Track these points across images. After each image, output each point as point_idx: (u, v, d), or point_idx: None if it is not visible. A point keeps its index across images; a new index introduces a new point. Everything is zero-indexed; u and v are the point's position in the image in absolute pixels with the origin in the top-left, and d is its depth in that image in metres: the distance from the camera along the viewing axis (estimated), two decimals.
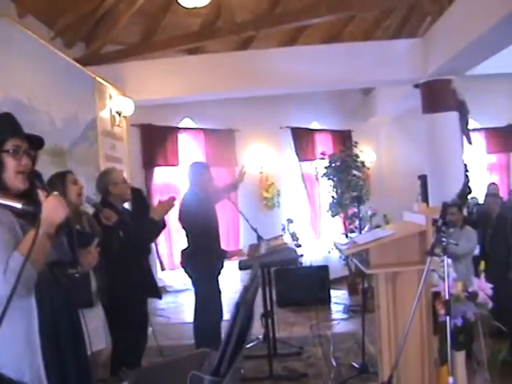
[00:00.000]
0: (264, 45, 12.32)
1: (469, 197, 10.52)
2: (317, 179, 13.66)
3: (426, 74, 10.05)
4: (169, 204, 5.64)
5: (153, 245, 11.41)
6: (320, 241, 13.87)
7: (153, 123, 12.03)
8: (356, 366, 6.75)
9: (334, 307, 10.53)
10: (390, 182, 14.80)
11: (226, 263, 7.00)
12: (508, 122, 16.01)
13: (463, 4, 8.37)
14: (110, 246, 4.47)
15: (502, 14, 6.94)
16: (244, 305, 2.78)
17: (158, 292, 6.09)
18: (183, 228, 6.80)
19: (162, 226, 5.77)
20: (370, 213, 11.45)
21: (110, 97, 9.30)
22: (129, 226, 5.41)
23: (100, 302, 4.70)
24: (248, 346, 7.45)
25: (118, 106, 9.41)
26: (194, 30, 11.39)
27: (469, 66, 9.65)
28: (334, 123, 14.64)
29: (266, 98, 12.28)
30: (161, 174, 12.31)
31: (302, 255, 11.70)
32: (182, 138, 12.66)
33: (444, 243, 3.67)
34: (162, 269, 11.81)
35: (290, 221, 12.22)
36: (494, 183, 12.81)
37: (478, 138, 15.65)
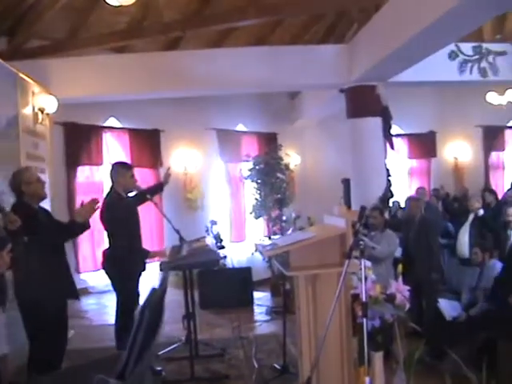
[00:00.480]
0: (192, 45, 12.27)
1: (390, 201, 10.75)
2: (241, 181, 13.68)
3: (350, 80, 10.22)
4: (91, 207, 5.54)
5: (72, 245, 11.24)
6: (244, 242, 13.92)
7: (77, 122, 11.80)
8: (277, 367, 6.79)
9: (256, 309, 10.55)
10: (315, 185, 14.98)
11: (149, 264, 6.94)
12: (429, 128, 16.45)
13: (388, 13, 8.54)
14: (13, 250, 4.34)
15: (425, 24, 7.10)
16: (150, 308, 2.75)
17: (75, 293, 5.97)
18: (105, 228, 6.70)
19: (85, 227, 5.67)
20: (294, 215, 11.56)
21: (33, 93, 9.07)
22: (38, 227, 5.28)
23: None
24: (170, 348, 7.45)
25: (41, 103, 9.16)
26: (121, 29, 11.21)
27: (392, 72, 9.85)
28: (260, 126, 14.71)
29: (193, 98, 12.23)
30: (84, 173, 12.09)
31: (225, 257, 11.70)
32: (107, 137, 12.48)
33: (362, 246, 3.72)
34: (79, 271, 11.60)
35: (213, 222, 12.20)
36: (421, 187, 13.16)
37: (401, 144, 16.01)
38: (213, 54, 10.59)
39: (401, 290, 4.51)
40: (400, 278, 4.69)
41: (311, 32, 13.62)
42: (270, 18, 11.28)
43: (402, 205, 11.09)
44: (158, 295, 2.98)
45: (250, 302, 10.68)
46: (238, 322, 9.02)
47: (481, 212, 9.78)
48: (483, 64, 10.76)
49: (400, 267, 5.21)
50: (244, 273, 10.90)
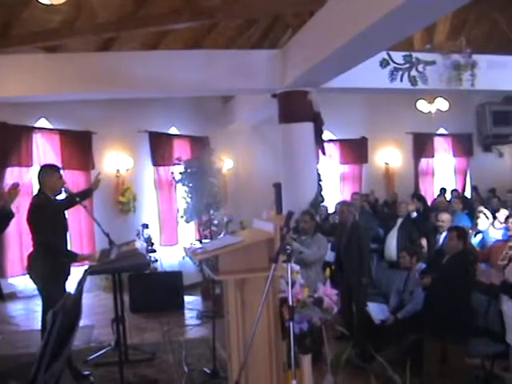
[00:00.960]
0: (126, 47, 12.15)
1: (321, 205, 10.86)
2: (173, 185, 13.60)
3: (283, 85, 10.29)
4: (14, 191, 5.44)
5: None
6: (176, 246, 13.84)
7: (6, 122, 11.51)
8: (207, 371, 6.78)
9: (187, 313, 10.50)
10: (247, 189, 15.00)
11: (77, 268, 6.82)
12: (361, 134, 16.69)
13: (321, 19, 8.63)
14: None
15: (357, 32, 7.21)
16: (62, 313, 2.70)
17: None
18: (30, 230, 6.56)
19: (9, 216, 5.56)
20: (225, 219, 11.56)
21: None
22: None
23: None
24: (99, 352, 7.35)
25: None
26: (53, 27, 10.99)
27: (325, 79, 9.98)
28: (193, 129, 14.67)
29: (125, 100, 12.11)
30: (14, 175, 11.79)
31: (156, 260, 11.64)
32: (37, 138, 12.21)
33: (288, 250, 3.75)
34: (5, 275, 11.34)
35: (145, 226, 12.11)
36: (356, 192, 13.35)
37: (333, 149, 16.20)
38: (147, 57, 10.50)
39: (328, 293, 4.56)
40: (328, 282, 4.74)
41: (246, 36, 13.65)
42: (205, 22, 11.26)
43: (331, 210, 11.23)
44: (72, 299, 2.93)
45: (180, 305, 10.62)
46: (168, 326, 8.97)
47: (414, 214, 10.00)
48: (413, 73, 11.01)
49: (328, 271, 5.28)
50: (175, 277, 10.85)
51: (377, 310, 7.82)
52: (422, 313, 6.81)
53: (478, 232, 8.55)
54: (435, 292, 6.17)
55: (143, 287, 10.44)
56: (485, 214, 8.71)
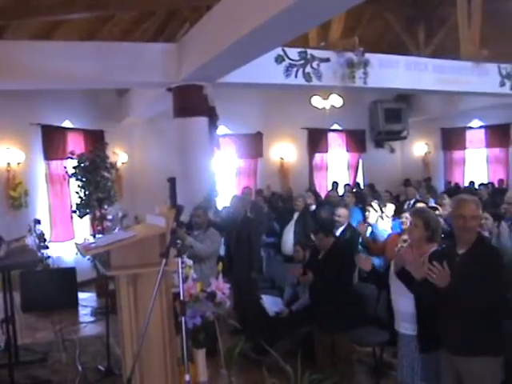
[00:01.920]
0: (17, 36, 11.71)
1: (216, 200, 10.87)
2: (66, 179, 13.26)
3: (178, 79, 10.23)
4: None
5: None
6: (70, 242, 13.52)
7: None
8: (102, 369, 6.70)
9: (81, 310, 10.33)
10: (142, 184, 14.87)
11: None
12: (256, 129, 16.82)
13: (218, 13, 8.62)
14: None
15: (252, 27, 7.24)
16: None
17: None
18: None
19: None
20: (120, 214, 11.39)
21: None
22: None
23: None
24: None
25: None
26: None
27: (220, 73, 9.98)
28: (88, 123, 14.34)
29: (17, 92, 11.67)
30: None
31: (48, 257, 11.35)
32: None
33: (178, 245, 3.74)
34: None
35: (37, 221, 11.77)
36: (247, 187, 13.42)
37: (228, 144, 16.24)
38: (39, 47, 10.13)
39: (221, 287, 4.58)
40: (220, 276, 4.76)
41: (142, 29, 13.48)
42: (99, 13, 11.03)
43: (227, 204, 11.27)
44: None
45: (74, 303, 10.40)
46: (61, 324, 8.78)
47: (313, 207, 10.17)
48: (308, 69, 11.18)
49: (220, 265, 5.30)
50: (68, 273, 10.60)
51: (271, 303, 7.91)
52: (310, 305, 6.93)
53: (369, 225, 8.78)
54: (316, 286, 6.32)
55: (35, 285, 10.13)
56: (374, 208, 8.95)
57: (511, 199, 6.29)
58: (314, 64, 11.25)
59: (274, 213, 12.74)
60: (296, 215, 10.07)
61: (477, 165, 19.58)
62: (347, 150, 19.19)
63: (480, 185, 14.37)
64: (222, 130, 12.80)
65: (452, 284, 4.23)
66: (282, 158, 17.65)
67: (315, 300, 6.46)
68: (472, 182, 17.39)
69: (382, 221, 8.75)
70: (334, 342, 6.31)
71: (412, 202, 11.24)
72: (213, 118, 10.60)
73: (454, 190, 14.70)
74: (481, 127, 19.21)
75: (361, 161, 19.54)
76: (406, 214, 7.19)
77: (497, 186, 17.19)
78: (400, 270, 4.76)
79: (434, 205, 9.76)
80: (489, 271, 4.19)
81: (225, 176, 15.24)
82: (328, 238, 6.50)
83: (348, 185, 16.97)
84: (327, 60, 11.39)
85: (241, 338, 4.56)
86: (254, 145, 17.06)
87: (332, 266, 6.25)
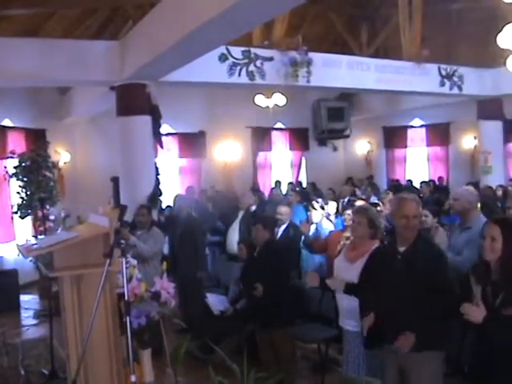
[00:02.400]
0: None
1: (159, 199, 10.82)
2: (6, 179, 12.99)
3: (121, 77, 10.13)
4: None
5: None
6: (11, 243, 13.25)
7: None
8: (46, 372, 6.59)
9: (23, 313, 10.14)
10: (85, 184, 14.67)
11: None
12: (200, 128, 16.79)
13: (161, 12, 8.57)
14: None
15: (196, 26, 7.22)
16: None
17: None
18: None
19: None
20: (62, 214, 11.25)
21: None
22: None
23: None
24: None
25: None
26: None
27: (164, 72, 9.92)
28: (29, 121, 14.05)
29: None
30: None
31: None
32: None
33: (123, 245, 3.72)
34: None
35: None
36: (191, 186, 13.38)
37: (171, 143, 16.17)
38: None
39: (165, 287, 4.56)
40: (165, 276, 4.74)
41: (84, 26, 13.30)
42: (39, 9, 10.83)
43: (170, 203, 11.23)
44: None
45: (16, 305, 10.22)
46: (2, 328, 8.60)
47: (253, 207, 10.19)
48: (251, 68, 11.21)
49: (165, 265, 5.29)
50: (9, 275, 10.43)
51: (216, 302, 7.91)
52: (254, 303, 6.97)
53: (312, 223, 8.84)
54: (253, 283, 6.35)
55: None
56: (317, 206, 9.01)
57: (458, 195, 6.38)
58: (258, 63, 11.30)
59: (219, 212, 12.74)
60: (241, 214, 10.08)
61: (418, 163, 19.94)
62: (290, 149, 19.30)
63: (422, 182, 14.63)
64: (165, 128, 12.72)
65: (394, 281, 4.32)
66: (226, 157, 17.64)
67: (252, 297, 6.49)
68: (410, 181, 17.68)
69: (325, 219, 8.82)
70: (274, 339, 6.36)
71: (346, 200, 11.40)
72: (156, 116, 10.55)
73: (395, 188, 14.93)
74: (421, 126, 19.56)
75: (304, 159, 19.67)
76: (349, 212, 7.27)
77: (437, 183, 17.51)
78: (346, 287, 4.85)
79: (376, 201, 9.91)
80: (432, 265, 4.29)
81: (168, 175, 15.14)
82: (264, 231, 6.54)
83: (291, 183, 17.08)
84: (271, 59, 11.45)
85: (186, 337, 4.55)
86: (198, 144, 16.99)
87: (266, 262, 6.30)
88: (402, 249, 4.51)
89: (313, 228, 8.46)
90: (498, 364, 3.86)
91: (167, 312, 4.52)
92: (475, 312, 3.82)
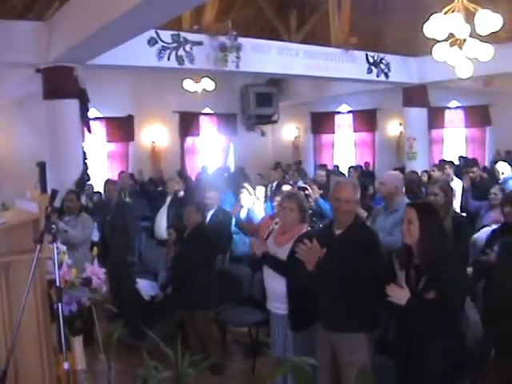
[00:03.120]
0: None
1: (87, 184, 10.66)
2: None
3: (48, 60, 9.90)
4: None
5: None
6: None
7: None
8: None
9: None
10: (10, 169, 14.30)
11: None
12: (128, 112, 16.59)
13: None
14: None
15: (124, 9, 7.10)
16: None
17: None
18: None
19: None
20: None
21: None
22: None
23: None
24: None
25: None
26: None
27: (92, 55, 9.76)
28: None
29: None
30: None
31: None
32: None
33: (53, 230, 3.66)
34: None
35: None
36: (123, 171, 13.21)
37: (99, 127, 15.93)
38: None
39: (96, 272, 4.50)
40: (96, 261, 4.68)
41: (9, 6, 12.89)
42: None
43: (99, 188, 11.08)
44: None
45: None
46: None
47: (181, 193, 10.16)
48: (180, 52, 11.13)
49: (95, 250, 5.22)
50: None
51: (146, 287, 7.87)
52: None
53: (242, 206, 8.86)
54: (179, 266, 6.38)
55: None
56: (247, 190, 9.03)
57: (384, 180, 6.51)
58: (187, 47, 11.23)
59: (147, 197, 12.65)
60: (169, 199, 10.02)
61: (345, 148, 20.23)
62: (218, 134, 19.31)
63: (350, 167, 14.82)
64: (92, 112, 12.52)
65: (328, 263, 4.38)
66: (154, 142, 17.52)
67: (177, 279, 6.50)
68: (337, 166, 17.89)
69: (256, 204, 8.86)
70: (196, 323, 6.40)
71: (274, 184, 11.49)
72: (83, 100, 10.37)
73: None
74: (349, 112, 19.83)
75: (232, 144, 19.70)
76: (279, 198, 7.31)
77: (364, 168, 17.80)
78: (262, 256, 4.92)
79: (303, 185, 10.01)
80: (363, 252, 4.36)
81: (96, 160, 14.91)
82: (197, 214, 6.57)
83: (220, 168, 17.09)
84: (200, 43, 11.39)
85: (119, 323, 4.51)
86: (126, 128, 16.82)
87: (194, 245, 6.33)
88: (337, 232, 4.59)
89: (244, 212, 8.49)
90: (418, 346, 3.98)
91: (99, 298, 4.47)
92: (400, 294, 3.93)
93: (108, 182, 9.28)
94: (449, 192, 6.27)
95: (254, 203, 8.70)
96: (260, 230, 7.47)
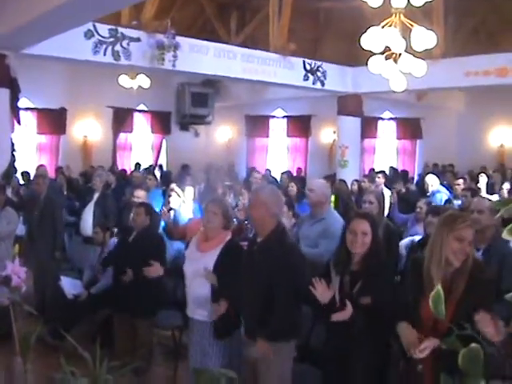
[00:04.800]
0: None
1: (15, 177, 10.39)
2: None
3: None
4: None
5: None
6: None
7: None
8: None
9: None
10: None
11: None
12: (61, 104, 16.30)
13: None
14: None
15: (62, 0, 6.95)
16: None
17: None
18: None
19: None
20: None
21: None
22: None
23: None
24: None
25: None
26: None
27: (25, 44, 9.51)
28: None
29: None
30: None
31: None
32: None
33: None
34: None
35: None
36: (42, 165, 12.89)
37: (30, 118, 15.61)
38: None
39: (17, 271, 4.35)
40: (17, 259, 4.53)
41: None
42: None
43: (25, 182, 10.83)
44: None
45: None
46: None
47: (112, 187, 10.00)
48: (117, 47, 10.94)
49: (17, 247, 5.08)
50: None
51: (70, 285, 7.68)
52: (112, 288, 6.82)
53: (171, 209, 8.75)
54: (123, 267, 6.22)
55: None
56: (176, 192, 8.95)
57: (313, 186, 6.54)
58: (124, 43, 11.05)
59: (74, 192, 12.43)
60: (96, 196, 9.84)
61: (278, 153, 20.33)
62: (152, 132, 19.19)
63: (282, 173, 14.82)
64: (24, 103, 12.22)
65: (248, 271, 4.39)
66: (86, 136, 17.26)
67: (119, 283, 6.33)
68: (268, 170, 17.78)
69: (184, 205, 8.78)
70: (135, 326, 6.27)
71: (202, 186, 11.47)
72: (14, 90, 10.07)
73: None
74: (284, 117, 19.97)
75: (165, 143, 19.56)
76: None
77: (296, 174, 17.90)
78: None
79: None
80: (276, 262, 4.37)
81: (24, 152, 14.55)
82: (146, 216, 6.42)
83: (150, 166, 16.93)
84: (138, 40, 11.24)
85: (39, 321, 4.39)
86: (57, 120, 16.52)
87: (141, 249, 6.18)
88: (259, 240, 4.59)
89: (171, 214, 8.41)
90: (349, 351, 4.01)
91: (17, 299, 4.32)
92: (324, 292, 3.96)
93: (38, 176, 9.05)
94: (382, 201, 6.39)
95: (181, 205, 8.63)
96: (188, 232, 7.41)
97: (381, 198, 6.48)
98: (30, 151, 16.06)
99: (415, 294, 3.61)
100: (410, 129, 18.68)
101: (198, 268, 4.94)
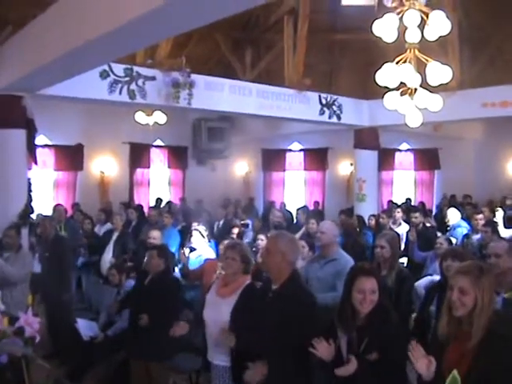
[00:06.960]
0: None
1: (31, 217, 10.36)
2: None
3: None
4: None
5: None
6: None
7: None
8: None
9: None
10: None
11: None
12: (77, 141, 16.41)
13: (45, 22, 8.17)
14: None
15: (79, 43, 6.94)
16: None
17: None
18: None
19: None
20: None
21: None
22: None
23: None
24: None
25: None
26: None
27: (42, 85, 9.53)
28: None
29: None
30: None
31: None
32: None
33: None
34: None
35: None
36: (59, 204, 12.90)
37: (47, 155, 15.71)
38: None
39: (30, 322, 4.29)
40: (30, 310, 4.47)
41: None
42: None
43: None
44: None
45: None
46: None
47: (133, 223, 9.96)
48: (133, 86, 10.97)
49: (30, 298, 5.02)
50: None
51: (86, 327, 7.63)
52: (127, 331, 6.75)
53: (193, 249, 8.59)
54: (139, 311, 6.15)
55: None
56: (200, 231, 8.82)
57: (324, 229, 6.51)
58: (140, 82, 11.08)
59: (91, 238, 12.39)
60: (115, 235, 9.81)
61: (295, 186, 20.28)
62: (169, 167, 19.21)
63: (298, 209, 14.68)
64: (41, 140, 12.27)
65: (264, 319, 4.32)
66: (103, 172, 17.31)
67: (135, 327, 6.25)
68: (283, 203, 17.97)
69: (208, 246, 8.68)
70: (150, 369, 6.19)
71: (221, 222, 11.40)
72: (31, 130, 10.10)
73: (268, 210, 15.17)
74: (300, 150, 19.93)
75: (182, 178, 19.60)
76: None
77: (313, 208, 17.80)
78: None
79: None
80: (291, 313, 4.28)
81: (41, 190, 14.58)
82: (159, 259, 6.32)
83: (170, 202, 16.88)
84: (153, 78, 11.27)
85: (54, 363, 4.34)
86: (75, 157, 16.58)
87: (157, 293, 6.11)
88: (274, 287, 4.52)
89: (194, 255, 8.30)
90: None
91: (30, 353, 4.23)
92: (325, 350, 3.88)
93: (43, 220, 9.04)
94: (395, 246, 6.29)
95: (202, 245, 8.56)
96: (204, 273, 7.35)
97: (393, 240, 6.33)
98: (48, 188, 16.10)
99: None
100: (427, 159, 18.56)
101: (217, 314, 4.91)
